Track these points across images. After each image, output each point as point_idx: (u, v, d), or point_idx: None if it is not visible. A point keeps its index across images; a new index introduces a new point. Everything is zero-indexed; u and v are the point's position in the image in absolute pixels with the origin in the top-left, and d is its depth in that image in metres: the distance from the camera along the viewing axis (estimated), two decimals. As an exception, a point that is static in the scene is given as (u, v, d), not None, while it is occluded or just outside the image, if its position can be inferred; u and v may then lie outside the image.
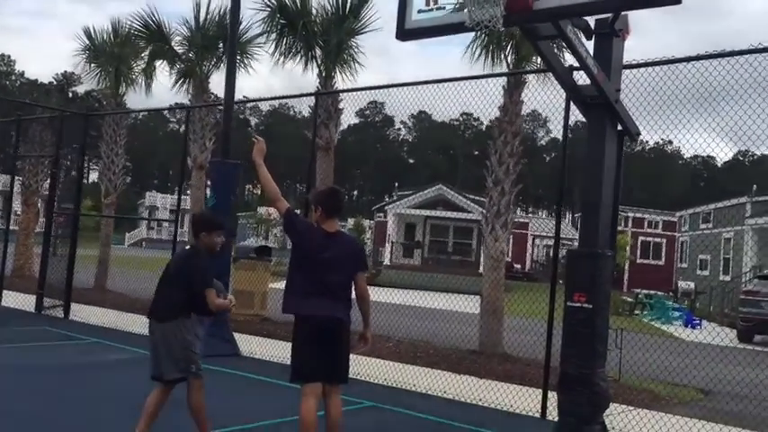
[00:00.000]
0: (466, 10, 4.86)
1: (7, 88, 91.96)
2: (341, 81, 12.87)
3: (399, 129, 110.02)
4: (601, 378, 5.78)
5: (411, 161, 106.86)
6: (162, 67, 16.27)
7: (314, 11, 12.78)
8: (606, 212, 5.98)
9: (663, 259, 37.63)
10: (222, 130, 9.68)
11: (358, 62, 12.86)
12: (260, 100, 10.32)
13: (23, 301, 13.14)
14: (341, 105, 12.81)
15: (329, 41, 12.39)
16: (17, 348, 9.03)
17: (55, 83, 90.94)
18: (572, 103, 6.63)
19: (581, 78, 6.01)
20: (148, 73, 16.47)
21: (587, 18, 5.59)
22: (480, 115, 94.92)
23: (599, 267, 5.83)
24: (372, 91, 10.01)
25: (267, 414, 6.26)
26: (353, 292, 4.66)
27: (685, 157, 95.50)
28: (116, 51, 16.20)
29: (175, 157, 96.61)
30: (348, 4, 12.46)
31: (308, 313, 4.47)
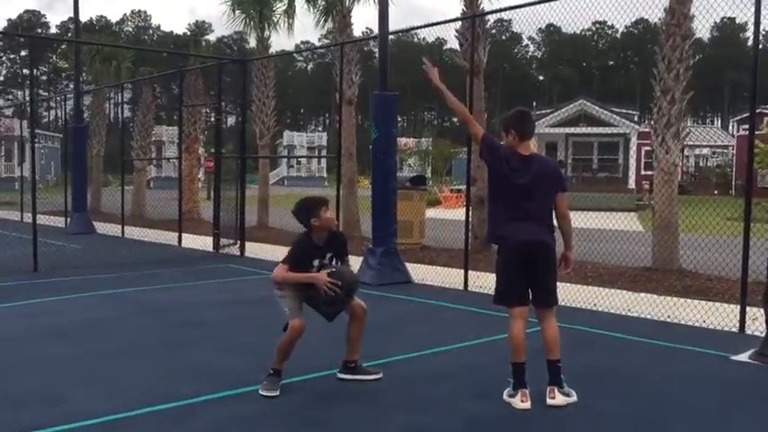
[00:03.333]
0: None
1: (146, 42, 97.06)
2: (487, 1, 12.52)
3: (527, 45, 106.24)
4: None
5: (541, 78, 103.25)
6: (301, 6, 16.50)
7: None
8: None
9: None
10: (380, 63, 9.71)
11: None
12: (413, 29, 10.07)
13: (201, 242, 14.17)
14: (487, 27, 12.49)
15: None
16: (217, 284, 9.75)
17: (189, 33, 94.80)
18: None
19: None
20: (290, 13, 16.75)
21: None
22: (615, 23, 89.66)
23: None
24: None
25: (467, 336, 6.40)
26: (555, 213, 4.62)
27: None
28: (258, -5, 16.61)
29: (306, 96, 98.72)
30: None
31: (513, 238, 4.47)
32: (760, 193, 35.72)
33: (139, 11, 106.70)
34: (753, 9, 6.33)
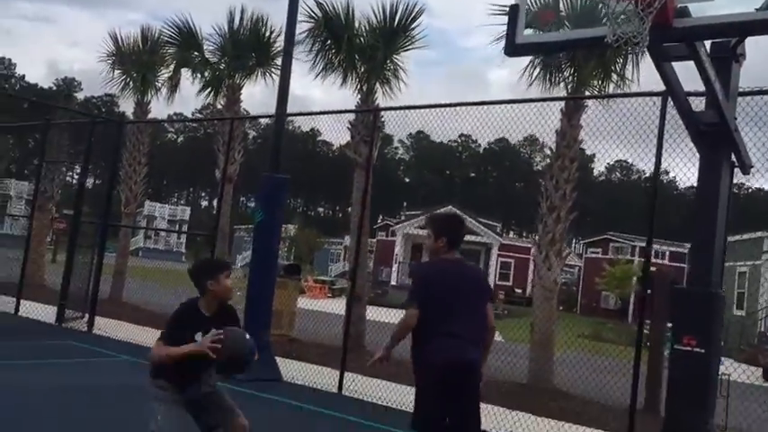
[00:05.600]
0: (607, 26, 4.52)
1: (7, 92, 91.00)
2: (381, 98, 12.48)
3: (397, 147, 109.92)
4: (712, 430, 5.36)
5: (407, 180, 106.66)
6: (187, 76, 15.84)
7: (357, 23, 12.38)
8: (719, 249, 5.60)
9: (671, 291, 37.14)
10: (273, 143, 9.26)
11: (401, 79, 12.48)
12: (312, 114, 9.68)
13: (42, 312, 12.55)
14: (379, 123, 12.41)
15: (374, 57, 11.99)
16: (46, 366, 8.49)
17: (55, 88, 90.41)
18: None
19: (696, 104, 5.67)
20: (174, 81, 16.02)
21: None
22: (479, 138, 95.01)
23: (713, 309, 5.44)
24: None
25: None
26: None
27: (680, 188, 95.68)
28: (144, 58, 15.78)
29: (171, 168, 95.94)
30: (396, 20, 12.07)
31: (439, 357, 4.00)
32: (603, 313, 37.71)
33: (2, 58, 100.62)
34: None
